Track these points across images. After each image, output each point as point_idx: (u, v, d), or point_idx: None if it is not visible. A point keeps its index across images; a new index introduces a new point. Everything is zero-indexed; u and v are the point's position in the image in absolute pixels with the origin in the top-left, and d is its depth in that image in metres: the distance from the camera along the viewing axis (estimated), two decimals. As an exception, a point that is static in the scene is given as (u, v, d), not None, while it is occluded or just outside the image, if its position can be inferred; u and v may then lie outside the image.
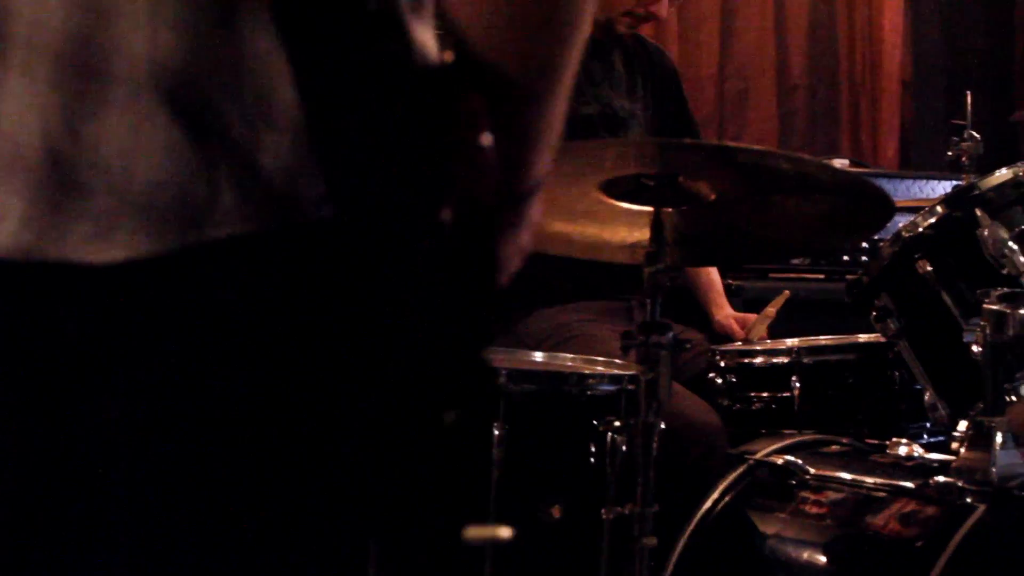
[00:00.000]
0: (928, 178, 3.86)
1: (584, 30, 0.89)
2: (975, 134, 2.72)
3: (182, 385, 0.76)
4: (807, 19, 4.53)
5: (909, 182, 3.86)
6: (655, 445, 1.81)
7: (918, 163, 4.60)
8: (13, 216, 0.74)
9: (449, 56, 0.84)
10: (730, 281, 3.41)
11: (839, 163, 3.95)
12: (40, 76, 0.74)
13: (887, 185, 3.77)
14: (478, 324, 0.86)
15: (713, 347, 2.67)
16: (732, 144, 2.65)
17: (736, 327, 3.00)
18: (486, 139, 0.86)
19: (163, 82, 0.75)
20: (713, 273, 3.15)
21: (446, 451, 0.87)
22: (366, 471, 0.82)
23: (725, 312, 3.08)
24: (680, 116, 3.06)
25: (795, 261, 3.54)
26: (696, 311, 3.13)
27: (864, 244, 3.45)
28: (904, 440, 2.21)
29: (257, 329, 0.77)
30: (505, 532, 0.93)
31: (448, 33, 0.85)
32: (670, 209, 1.84)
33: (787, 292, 2.95)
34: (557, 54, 0.88)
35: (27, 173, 0.74)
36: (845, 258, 3.57)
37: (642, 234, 1.85)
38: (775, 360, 2.53)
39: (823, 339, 2.63)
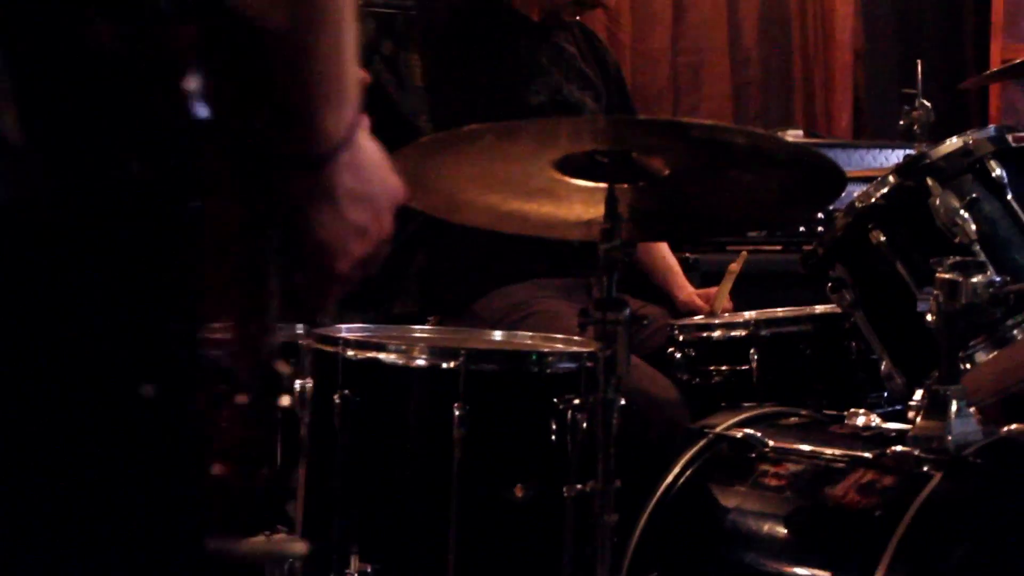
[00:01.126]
0: (881, 147, 3.88)
1: None
2: (926, 103, 2.73)
3: None
4: (759, -9, 4.54)
5: (863, 151, 3.88)
6: (615, 421, 1.81)
7: (872, 132, 4.62)
8: None
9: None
10: (687, 255, 3.43)
11: (793, 134, 3.96)
12: None
13: (841, 155, 3.80)
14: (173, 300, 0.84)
15: (672, 322, 2.68)
16: (684, 120, 2.65)
17: (700, 302, 3.01)
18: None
19: None
20: (668, 255, 3.17)
21: (149, 427, 0.83)
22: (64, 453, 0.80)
23: (687, 291, 3.10)
24: (625, 108, 3.08)
25: (751, 233, 3.55)
26: (654, 287, 3.14)
27: (820, 215, 3.47)
28: (862, 410, 2.23)
29: None
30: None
31: None
32: (625, 185, 1.84)
33: (745, 252, 2.96)
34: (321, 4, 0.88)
35: None
36: (801, 229, 3.59)
37: (597, 211, 1.85)
38: (733, 333, 2.54)
39: (780, 311, 2.65)
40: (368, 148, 1.01)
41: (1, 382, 0.76)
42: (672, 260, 3.17)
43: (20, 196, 0.74)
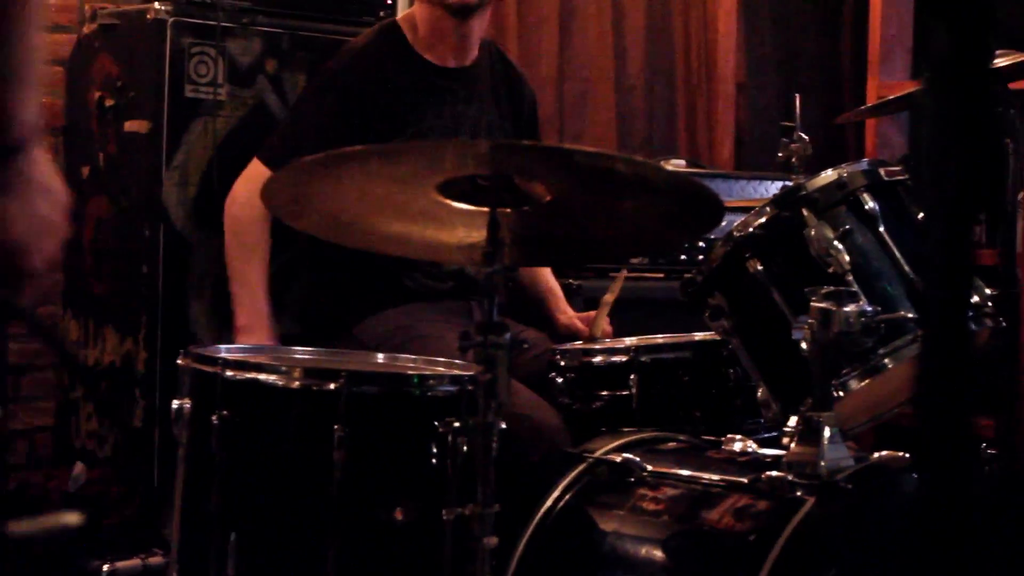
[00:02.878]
0: (761, 179, 3.96)
1: None
2: (804, 136, 2.80)
3: None
4: (644, 21, 4.59)
5: (744, 182, 3.95)
6: (494, 445, 1.82)
7: (752, 164, 4.70)
8: None
9: None
10: (570, 281, 3.45)
11: (676, 164, 4.02)
12: None
13: (722, 185, 3.86)
14: None
15: (553, 346, 2.69)
16: (567, 146, 2.67)
17: (581, 326, 3.04)
18: None
19: None
20: (550, 278, 3.20)
21: None
22: None
23: (568, 314, 3.12)
24: (531, 136, 3.13)
25: (634, 260, 3.59)
26: (536, 311, 3.16)
27: (701, 243, 3.52)
28: (739, 436, 2.26)
29: None
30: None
31: None
32: (507, 210, 1.85)
33: (623, 275, 2.99)
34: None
35: None
36: (683, 257, 3.64)
37: (479, 235, 1.86)
38: (614, 359, 2.56)
39: (660, 338, 2.68)
40: (44, 156, 1.00)
41: None
42: (554, 283, 3.20)
43: None
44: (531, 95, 3.23)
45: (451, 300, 2.93)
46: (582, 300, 3.44)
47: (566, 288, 3.35)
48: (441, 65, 2.97)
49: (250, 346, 2.48)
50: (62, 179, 1.02)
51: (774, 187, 3.94)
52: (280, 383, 2.05)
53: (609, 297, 2.91)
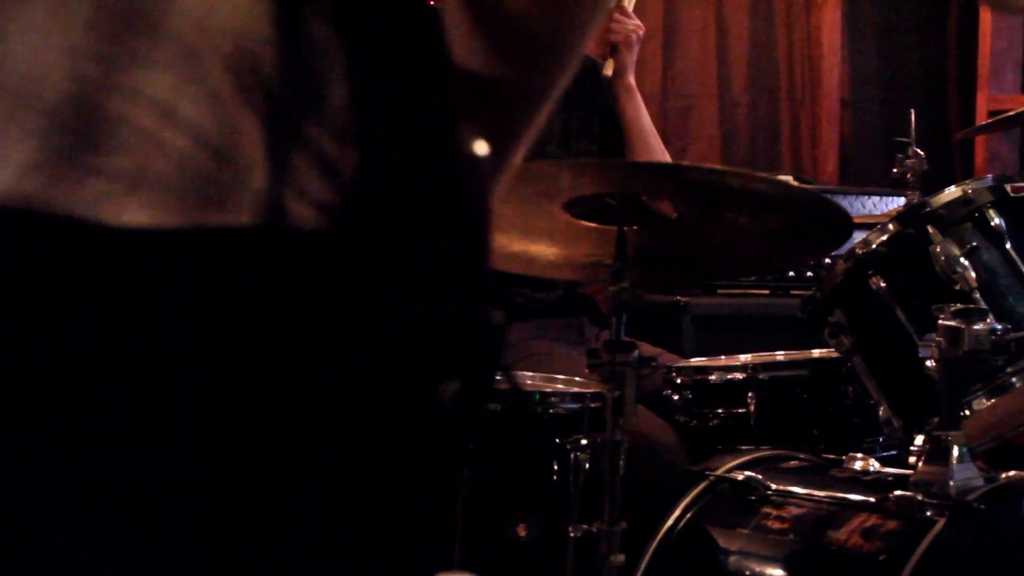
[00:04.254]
0: (869, 194, 3.92)
1: (573, 61, 0.90)
2: (919, 151, 2.77)
3: (173, 374, 0.71)
4: (747, 37, 4.59)
5: (852, 198, 3.91)
6: (621, 463, 1.82)
7: (857, 179, 4.67)
8: (17, 160, 0.68)
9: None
10: (679, 298, 3.45)
11: (783, 179, 4.00)
12: (76, 15, 0.69)
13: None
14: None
15: (669, 364, 2.69)
16: (697, 165, 2.67)
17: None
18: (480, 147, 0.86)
19: (216, 47, 0.70)
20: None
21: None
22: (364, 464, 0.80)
23: None
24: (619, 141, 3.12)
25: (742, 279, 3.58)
26: (654, 328, 3.15)
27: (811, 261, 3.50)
28: (860, 455, 2.24)
29: (254, 325, 0.72)
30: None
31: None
32: (634, 228, 1.86)
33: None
34: (562, 61, 0.89)
35: (42, 117, 0.68)
36: (791, 274, 3.62)
37: (604, 253, 1.87)
38: (730, 376, 2.55)
39: (778, 355, 2.67)
40: None
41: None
42: None
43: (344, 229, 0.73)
44: (605, 80, 3.21)
45: (561, 317, 2.94)
46: (690, 318, 3.43)
47: (673, 305, 3.34)
48: None
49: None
50: None
51: (882, 203, 3.91)
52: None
53: None
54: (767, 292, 3.67)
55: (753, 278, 3.63)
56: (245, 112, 0.71)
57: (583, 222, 1.89)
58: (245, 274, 0.72)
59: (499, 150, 0.92)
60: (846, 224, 1.82)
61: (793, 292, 3.54)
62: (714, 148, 4.49)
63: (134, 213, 0.68)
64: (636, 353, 1.80)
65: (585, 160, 2.75)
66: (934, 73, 4.84)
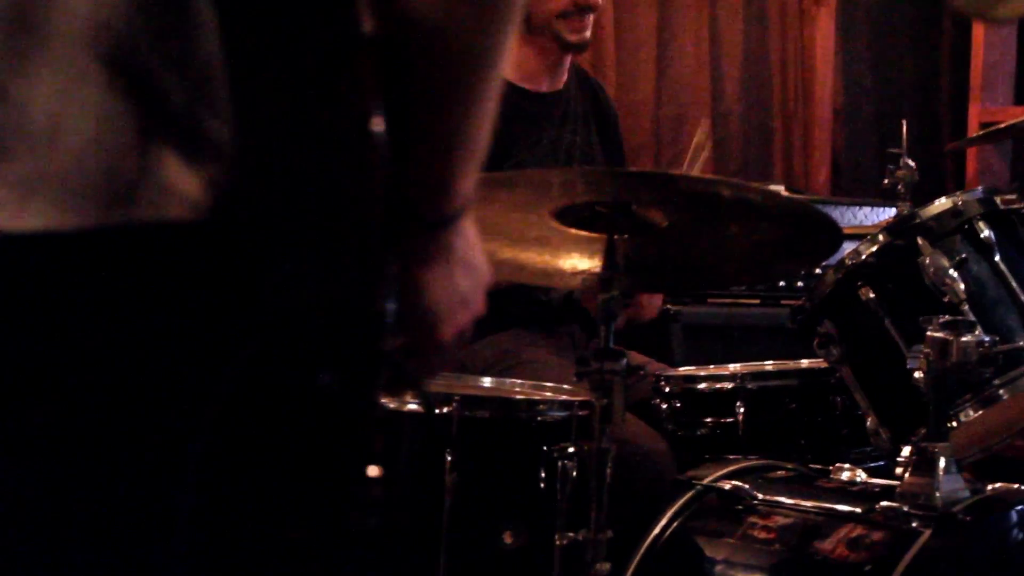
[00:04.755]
0: (861, 204, 3.93)
1: (512, 24, 0.89)
2: (911, 162, 2.77)
3: (82, 378, 0.71)
4: (741, 47, 4.59)
5: (843, 208, 3.92)
6: (608, 471, 1.82)
7: (849, 190, 4.67)
8: None
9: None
10: (668, 307, 3.45)
11: (775, 189, 4.01)
12: None
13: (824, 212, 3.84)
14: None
15: (657, 372, 2.69)
16: (688, 174, 2.66)
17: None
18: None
19: (103, 43, 0.70)
20: None
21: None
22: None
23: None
24: (618, 155, 3.13)
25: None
26: (644, 337, 3.15)
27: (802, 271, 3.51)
28: (847, 465, 2.24)
29: (169, 321, 0.73)
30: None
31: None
32: (624, 236, 1.86)
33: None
34: (493, 42, 0.88)
35: None
36: (781, 284, 3.62)
37: (594, 261, 1.87)
38: (719, 385, 2.55)
39: (767, 364, 2.67)
40: (472, 230, 0.99)
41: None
42: None
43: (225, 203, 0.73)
44: (614, 113, 3.23)
45: (556, 325, 2.94)
46: (680, 327, 3.43)
47: (663, 313, 3.35)
48: (535, 91, 2.98)
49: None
50: (481, 251, 1.01)
51: (873, 213, 3.91)
52: (392, 406, 2.07)
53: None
54: (757, 301, 3.67)
55: (743, 287, 3.63)
56: (133, 106, 0.70)
57: (573, 230, 1.88)
58: (152, 267, 0.72)
59: (448, 108, 0.91)
60: (835, 235, 1.83)
61: (784, 302, 3.54)
62: (706, 157, 4.48)
63: (32, 218, 0.68)
64: (624, 361, 1.80)
65: (576, 167, 2.75)
66: (927, 84, 4.85)
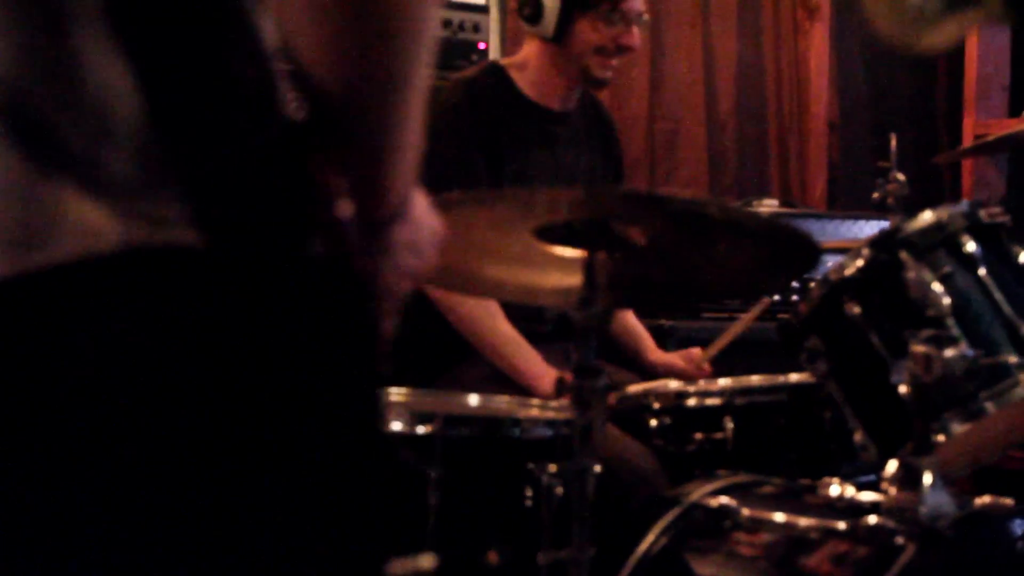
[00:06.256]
0: (856, 218, 3.92)
1: (425, 43, 0.88)
2: (900, 176, 2.77)
3: (13, 423, 0.71)
4: (735, 60, 4.59)
5: (837, 222, 3.91)
6: (590, 489, 1.81)
7: (845, 203, 4.67)
8: None
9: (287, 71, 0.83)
10: (663, 321, 3.44)
11: (768, 203, 4.00)
12: None
13: (815, 225, 3.83)
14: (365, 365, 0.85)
15: (647, 390, 2.68)
16: (663, 193, 2.67)
17: (681, 362, 3.02)
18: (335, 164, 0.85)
19: None
20: (634, 320, 3.18)
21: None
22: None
23: (660, 355, 3.11)
24: (619, 174, 3.15)
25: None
26: (623, 353, 3.15)
27: (795, 284, 3.50)
28: (836, 480, 2.23)
29: (108, 357, 0.73)
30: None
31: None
32: (603, 254, 1.85)
33: (766, 299, 2.99)
34: (394, 65, 0.87)
35: None
36: (776, 298, 3.61)
37: (575, 279, 1.86)
38: (708, 401, 2.54)
39: (755, 379, 2.66)
40: (418, 195, 1.01)
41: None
42: (639, 325, 3.19)
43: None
44: (617, 141, 3.25)
45: (551, 343, 2.94)
46: (675, 341, 3.43)
47: (657, 328, 3.34)
48: (545, 106, 2.99)
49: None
50: (433, 216, 1.04)
51: (868, 227, 3.90)
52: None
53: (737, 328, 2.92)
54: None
55: (738, 302, 3.63)
56: (32, 152, 0.71)
57: (553, 248, 1.88)
58: (85, 311, 0.72)
59: (369, 169, 0.92)
60: (813, 251, 1.82)
61: (780, 316, 3.52)
62: (701, 171, 4.49)
63: None
64: (604, 379, 1.80)
65: (552, 186, 2.75)
66: (922, 96, 4.85)
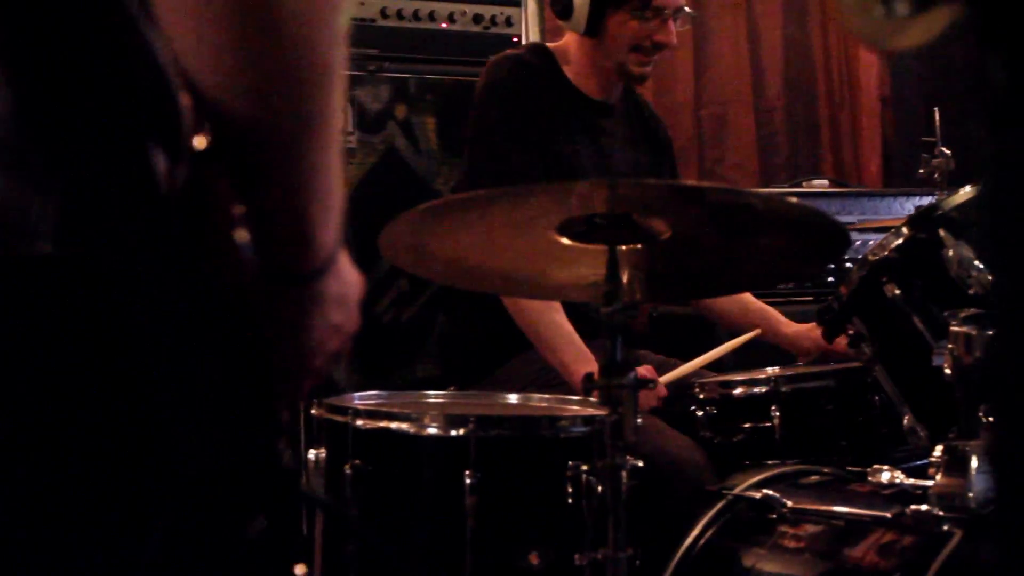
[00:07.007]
0: (908, 195, 3.85)
1: (334, 77, 0.86)
2: (946, 151, 2.71)
3: None
4: (781, 39, 4.52)
5: (890, 199, 3.84)
6: (624, 486, 1.78)
7: (901, 179, 4.58)
8: None
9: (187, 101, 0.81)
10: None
11: (818, 184, 3.94)
12: None
13: (868, 204, 3.77)
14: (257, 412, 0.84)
15: (692, 380, 2.64)
16: (685, 183, 2.61)
17: (806, 341, 2.92)
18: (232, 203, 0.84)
19: None
20: (753, 300, 3.07)
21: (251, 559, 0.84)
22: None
23: (794, 327, 2.97)
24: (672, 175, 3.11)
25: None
26: (686, 341, 3.10)
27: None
28: (886, 466, 2.17)
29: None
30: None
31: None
32: (625, 247, 1.82)
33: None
34: (303, 100, 0.85)
35: None
36: (807, 284, 3.56)
37: (602, 273, 1.83)
38: (755, 390, 2.50)
39: (801, 366, 2.61)
40: (342, 251, 0.99)
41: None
42: (763, 304, 3.07)
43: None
44: (667, 138, 3.19)
45: (598, 340, 2.89)
46: (721, 328, 3.38)
47: (699, 319, 3.29)
48: (592, 98, 2.95)
49: (385, 393, 2.47)
50: (356, 272, 1.02)
51: (922, 203, 3.82)
52: (410, 431, 2.05)
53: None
54: (810, 299, 3.60)
55: (791, 285, 3.57)
56: None
57: (576, 243, 1.85)
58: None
59: (289, 217, 0.90)
60: (841, 236, 1.78)
61: (822, 301, 3.45)
62: (751, 156, 4.42)
63: None
64: (632, 375, 1.76)
65: (573, 182, 2.71)
66: (975, 67, 4.73)
